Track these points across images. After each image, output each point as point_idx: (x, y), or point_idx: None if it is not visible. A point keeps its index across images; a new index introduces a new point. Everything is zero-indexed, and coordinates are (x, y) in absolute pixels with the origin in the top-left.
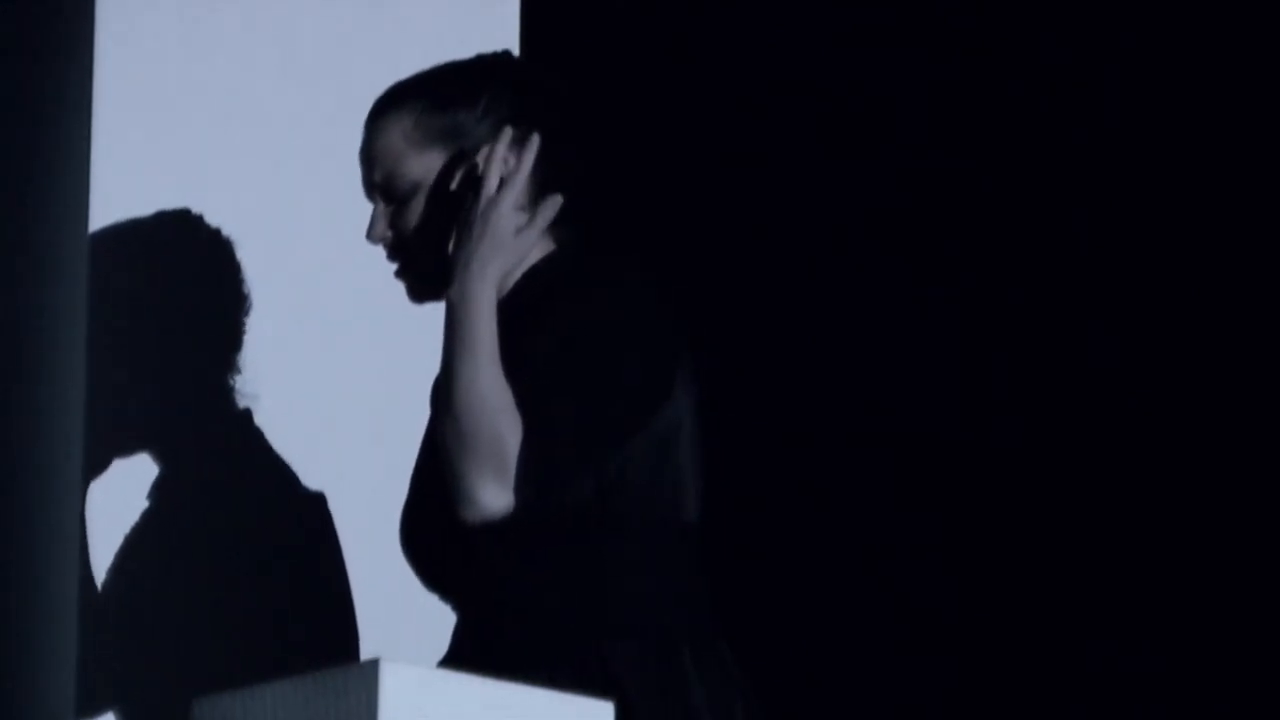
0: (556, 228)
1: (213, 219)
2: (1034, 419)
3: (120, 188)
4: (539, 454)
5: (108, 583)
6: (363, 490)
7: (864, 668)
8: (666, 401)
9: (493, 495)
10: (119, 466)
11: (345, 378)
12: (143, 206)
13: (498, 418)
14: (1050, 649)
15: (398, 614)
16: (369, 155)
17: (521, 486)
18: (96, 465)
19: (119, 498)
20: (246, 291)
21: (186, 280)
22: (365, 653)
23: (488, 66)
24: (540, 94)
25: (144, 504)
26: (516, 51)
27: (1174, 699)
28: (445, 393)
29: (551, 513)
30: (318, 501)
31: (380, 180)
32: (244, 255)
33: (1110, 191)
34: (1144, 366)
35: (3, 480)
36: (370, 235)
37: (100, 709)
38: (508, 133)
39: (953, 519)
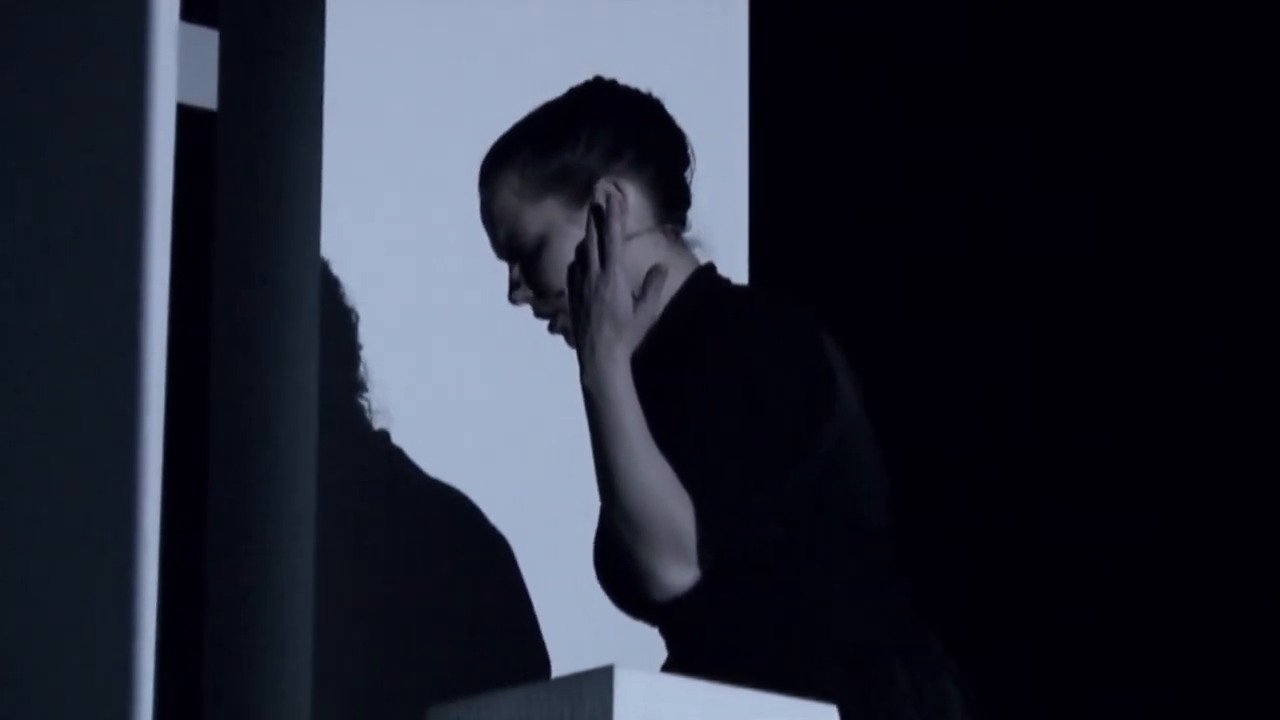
0: (690, 247)
1: (435, 226)
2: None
3: (350, 197)
4: (715, 522)
5: (344, 584)
6: (538, 504)
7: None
8: (828, 418)
9: (677, 574)
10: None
11: (542, 391)
12: (372, 216)
13: (666, 502)
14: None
15: (584, 626)
16: (489, 218)
17: (704, 558)
18: (329, 471)
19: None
20: (471, 301)
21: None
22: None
23: (580, 99)
24: (639, 114)
25: (374, 504)
26: (746, 55)
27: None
28: (607, 486)
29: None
30: (500, 511)
31: (505, 241)
32: (469, 264)
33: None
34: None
35: (240, 489)
36: (512, 298)
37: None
38: (599, 189)
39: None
